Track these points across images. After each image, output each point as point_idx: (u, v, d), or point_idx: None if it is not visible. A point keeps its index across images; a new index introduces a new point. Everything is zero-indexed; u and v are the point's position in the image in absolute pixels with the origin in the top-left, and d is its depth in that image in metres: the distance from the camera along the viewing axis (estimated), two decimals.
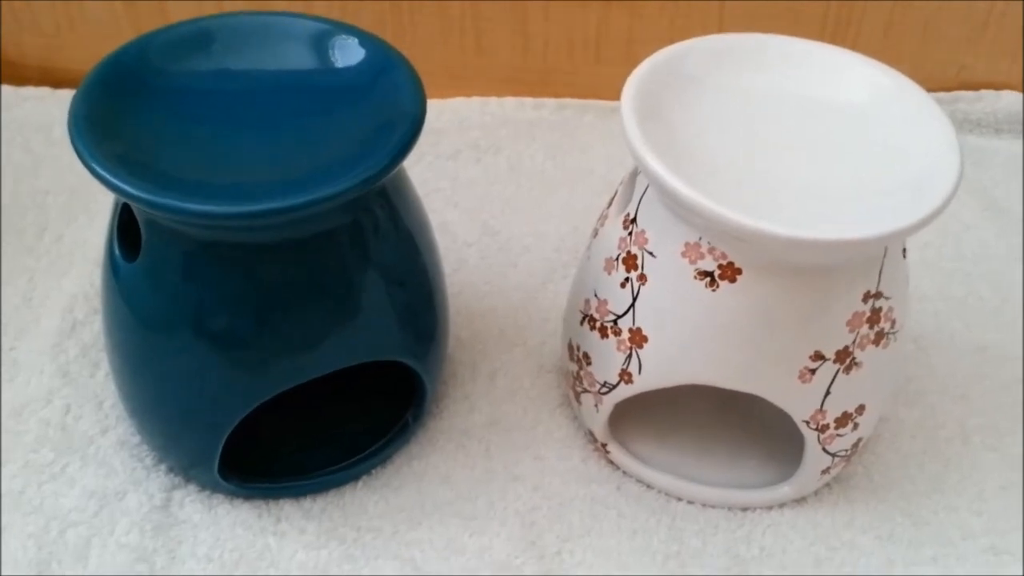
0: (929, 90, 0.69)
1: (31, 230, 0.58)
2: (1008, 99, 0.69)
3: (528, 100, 0.70)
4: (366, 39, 0.42)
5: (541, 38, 0.68)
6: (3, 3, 0.67)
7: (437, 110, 0.69)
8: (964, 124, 0.68)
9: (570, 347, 0.47)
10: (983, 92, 0.69)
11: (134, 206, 0.38)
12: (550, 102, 0.70)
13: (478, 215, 0.61)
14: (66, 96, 0.67)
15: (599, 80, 0.70)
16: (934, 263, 0.59)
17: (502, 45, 0.69)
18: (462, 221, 0.60)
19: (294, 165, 0.37)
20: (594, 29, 0.67)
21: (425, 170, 0.64)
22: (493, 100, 0.70)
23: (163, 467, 0.47)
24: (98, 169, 0.36)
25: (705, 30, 0.67)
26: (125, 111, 0.38)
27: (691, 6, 0.66)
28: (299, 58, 0.41)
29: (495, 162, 0.65)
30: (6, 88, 0.68)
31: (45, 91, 0.68)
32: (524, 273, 0.58)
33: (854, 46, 0.68)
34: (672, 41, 0.67)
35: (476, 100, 0.70)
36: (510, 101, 0.70)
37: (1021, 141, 0.68)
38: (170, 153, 0.37)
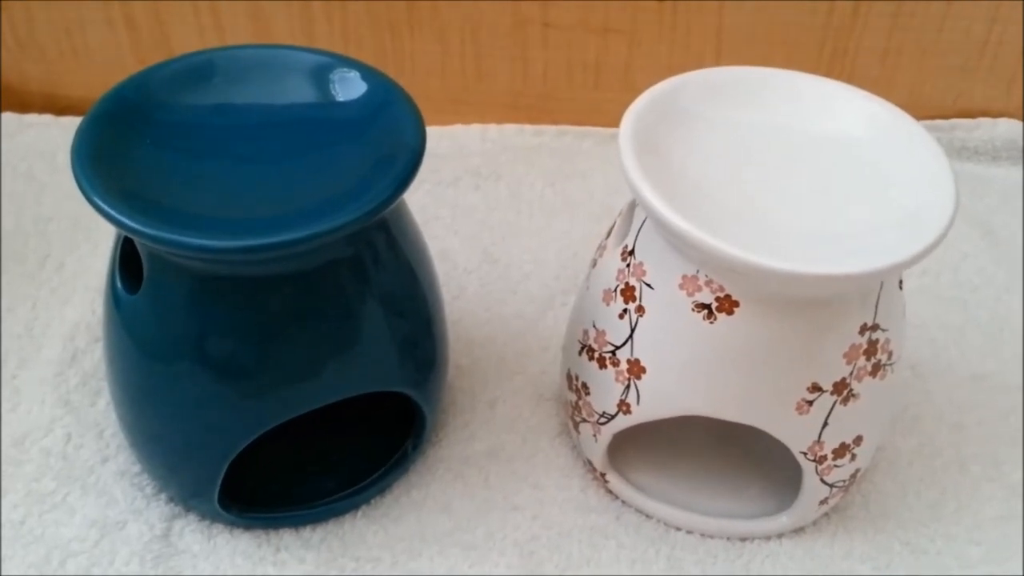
0: (926, 117, 0.71)
1: (33, 257, 0.58)
2: (1005, 126, 0.69)
3: (528, 127, 0.70)
4: (367, 72, 0.42)
5: (540, 64, 0.69)
6: (5, 30, 0.68)
7: (437, 136, 0.69)
8: (962, 152, 0.69)
9: (569, 377, 0.48)
10: (980, 120, 0.69)
11: (136, 240, 0.38)
12: (550, 129, 0.70)
13: (478, 242, 0.61)
14: (69, 123, 0.68)
15: (598, 106, 0.70)
16: (932, 291, 0.59)
17: (501, 71, 0.69)
18: (462, 248, 0.61)
19: (295, 199, 0.38)
20: (593, 56, 0.68)
21: (424, 197, 0.64)
22: (493, 127, 0.70)
23: (163, 496, 0.47)
24: (101, 204, 0.36)
25: (702, 58, 0.67)
26: (128, 145, 0.39)
27: (689, 35, 0.66)
28: (301, 92, 0.42)
29: (495, 189, 0.66)
30: (9, 115, 0.68)
31: (48, 118, 0.68)
32: (524, 300, 0.58)
33: (851, 74, 0.69)
34: (670, 68, 0.68)
35: (476, 127, 0.70)
36: (510, 128, 0.70)
37: (1019, 169, 0.68)
38: (172, 187, 0.38)
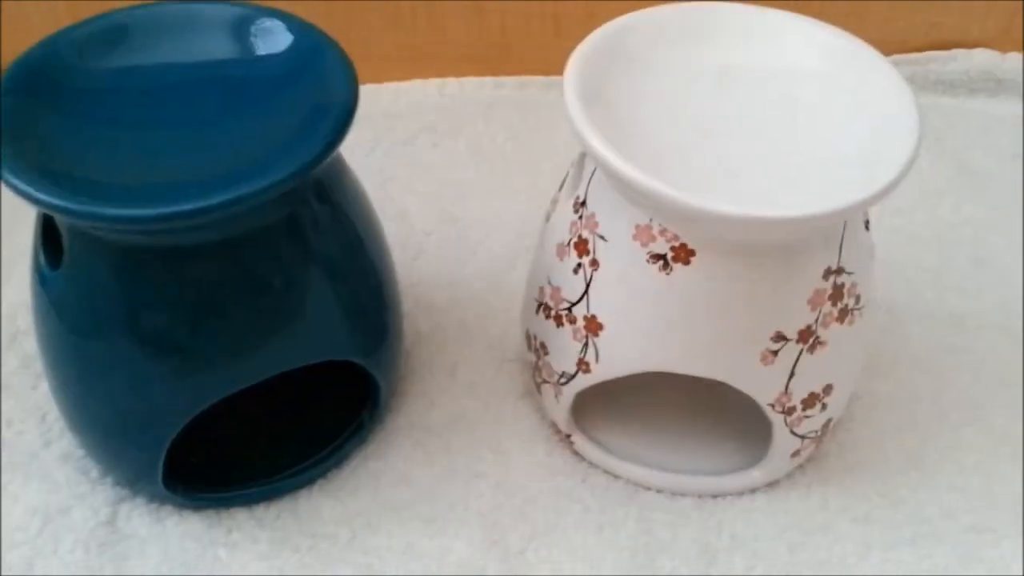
0: (899, 51, 0.68)
1: None
2: (981, 57, 0.66)
3: (488, 79, 0.68)
4: (292, 23, 0.40)
5: (497, 12, 0.66)
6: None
7: (392, 93, 0.67)
8: (937, 85, 0.66)
9: (528, 337, 0.45)
10: (955, 51, 0.67)
11: (50, 213, 0.36)
12: (511, 80, 0.68)
13: (436, 202, 0.59)
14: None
15: (560, 55, 0.67)
16: (906, 230, 0.57)
17: (456, 21, 0.66)
18: (420, 209, 0.58)
19: (218, 162, 0.35)
20: (551, 2, 0.65)
21: (381, 158, 0.62)
22: (452, 81, 0.68)
23: (109, 480, 0.45)
24: (10, 178, 0.34)
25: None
26: (39, 115, 0.36)
27: None
28: (221, 47, 0.39)
29: (454, 145, 0.63)
30: None
31: None
32: (485, 260, 0.56)
33: (820, 7, 0.66)
34: (632, 9, 0.65)
35: (433, 81, 0.67)
36: (470, 81, 0.68)
37: (997, 100, 0.66)
38: (88, 157, 0.35)
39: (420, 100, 0.66)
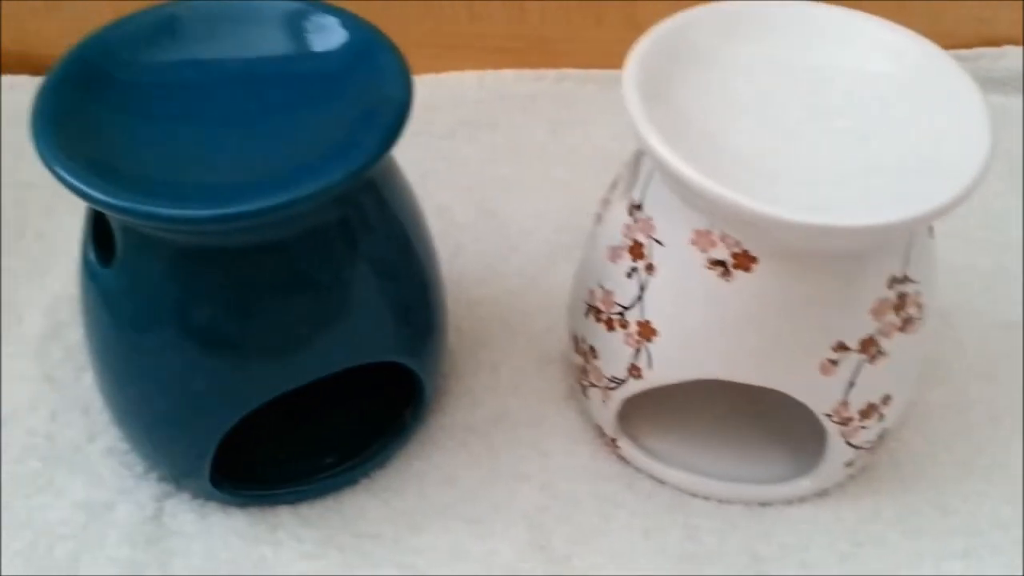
0: (948, 48, 0.66)
1: (12, 227, 0.56)
2: None
3: (527, 72, 0.67)
4: (346, 19, 0.39)
5: (537, 5, 0.65)
6: None
7: (430, 85, 0.66)
8: (987, 83, 0.65)
9: (575, 339, 0.45)
10: (1006, 48, 0.65)
11: (105, 211, 0.35)
12: (550, 73, 0.67)
13: (475, 197, 0.58)
14: None
15: (600, 47, 0.66)
16: (960, 233, 0.56)
17: (496, 13, 0.65)
18: (459, 204, 0.58)
19: (272, 162, 0.35)
20: None
21: (418, 150, 0.60)
22: (489, 73, 0.67)
23: (154, 475, 0.45)
24: (63, 174, 0.33)
25: None
26: (91, 110, 0.36)
27: None
28: (275, 43, 0.38)
29: (492, 139, 0.62)
30: None
31: (24, 79, 0.65)
32: (525, 257, 0.55)
33: (868, 6, 0.65)
34: (675, 3, 0.64)
35: (471, 74, 0.66)
36: (508, 73, 0.67)
37: None
38: (141, 154, 0.35)
39: (458, 93, 0.65)
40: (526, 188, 0.59)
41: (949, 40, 0.66)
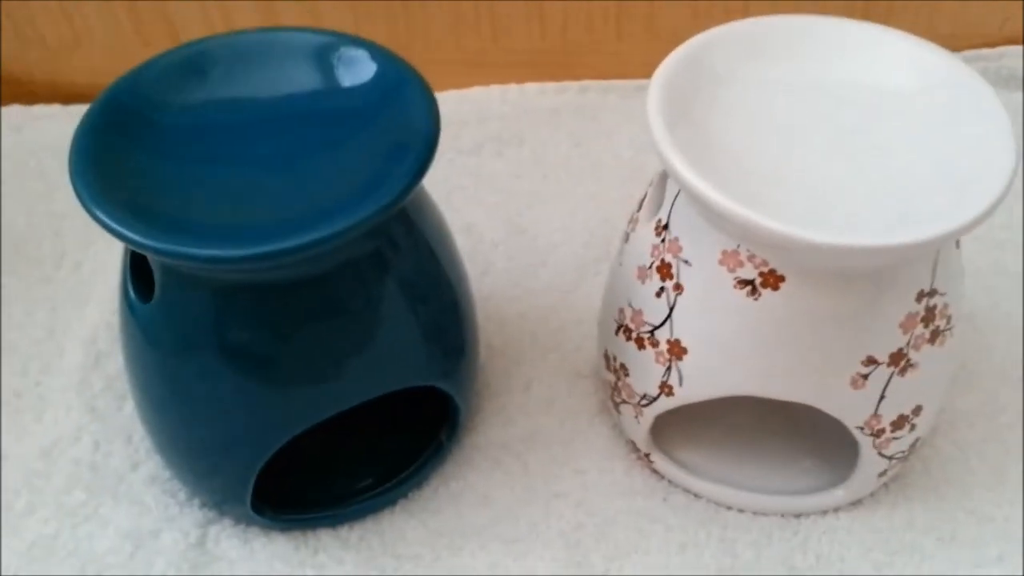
0: (971, 47, 0.66)
1: (49, 258, 0.57)
2: None
3: (550, 85, 0.67)
4: (375, 52, 0.40)
5: (559, 18, 0.65)
6: (4, 19, 0.65)
7: (456, 101, 0.67)
8: (1011, 81, 0.65)
9: (606, 356, 0.45)
10: (1005, 48, 0.65)
11: (144, 252, 0.36)
12: (572, 85, 0.67)
13: (503, 213, 0.59)
14: (77, 111, 0.66)
15: (621, 58, 0.67)
16: (985, 235, 0.55)
17: (518, 28, 0.66)
18: (487, 220, 0.58)
19: (305, 199, 0.35)
20: (613, 4, 0.64)
21: (446, 167, 0.62)
22: (513, 87, 0.67)
23: (196, 502, 0.46)
24: (103, 217, 0.34)
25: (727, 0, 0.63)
26: (127, 152, 0.36)
27: None
28: (304, 79, 0.39)
29: (518, 154, 0.63)
30: (15, 108, 0.66)
31: (56, 108, 0.66)
32: (554, 272, 0.56)
33: (890, 5, 0.65)
34: (695, 13, 0.64)
35: (496, 88, 0.67)
36: (531, 87, 0.67)
37: None
38: (176, 195, 0.36)
39: (483, 108, 0.66)
40: (553, 202, 0.60)
41: (972, 39, 0.66)
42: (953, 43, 0.66)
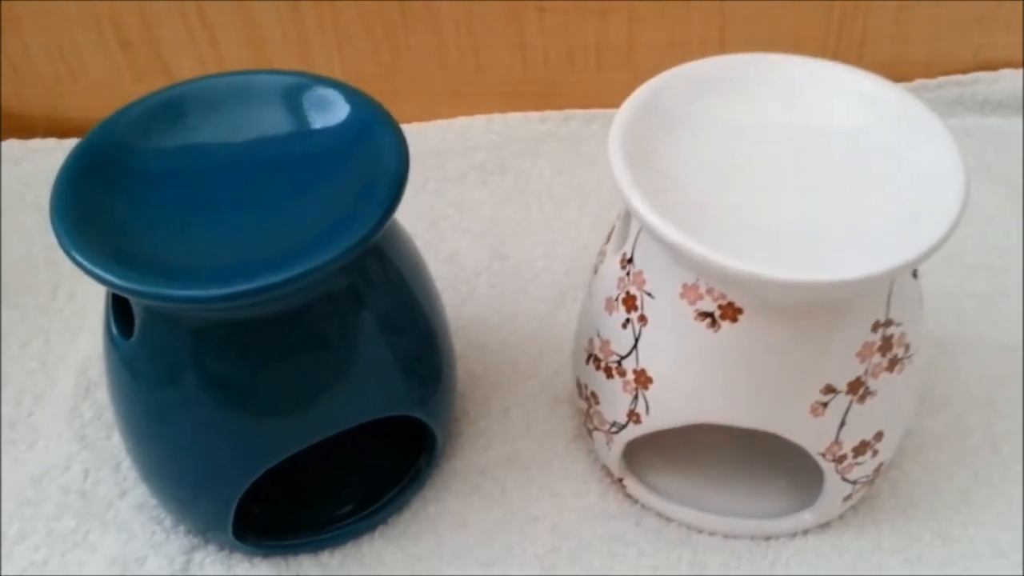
0: (946, 72, 0.68)
1: (44, 289, 0.58)
2: None
3: (533, 114, 0.68)
4: (346, 93, 0.41)
5: (540, 49, 0.67)
6: (3, 57, 0.67)
7: (440, 131, 0.68)
8: (984, 106, 0.66)
9: (579, 384, 0.47)
10: (1003, 71, 0.66)
11: (123, 294, 0.38)
12: (555, 114, 0.68)
13: (487, 240, 0.60)
14: (72, 146, 0.68)
15: (602, 87, 0.68)
16: (956, 258, 0.57)
17: (500, 60, 0.67)
18: (470, 249, 0.60)
19: (279, 239, 0.37)
20: (593, 36, 0.66)
21: (431, 196, 0.63)
22: (497, 117, 0.69)
23: (181, 528, 0.47)
24: (84, 262, 0.36)
25: (705, 31, 0.65)
26: (105, 199, 0.38)
27: (690, 7, 0.64)
28: (277, 121, 0.41)
29: (502, 183, 0.64)
30: (13, 142, 0.68)
31: (52, 142, 0.68)
32: (535, 299, 0.57)
33: (863, 34, 0.66)
34: (672, 44, 0.66)
35: (480, 118, 0.68)
36: (514, 117, 0.68)
37: None
38: (153, 240, 0.37)
39: (467, 137, 0.67)
40: (536, 230, 0.61)
41: (946, 65, 0.67)
42: (928, 70, 0.68)
